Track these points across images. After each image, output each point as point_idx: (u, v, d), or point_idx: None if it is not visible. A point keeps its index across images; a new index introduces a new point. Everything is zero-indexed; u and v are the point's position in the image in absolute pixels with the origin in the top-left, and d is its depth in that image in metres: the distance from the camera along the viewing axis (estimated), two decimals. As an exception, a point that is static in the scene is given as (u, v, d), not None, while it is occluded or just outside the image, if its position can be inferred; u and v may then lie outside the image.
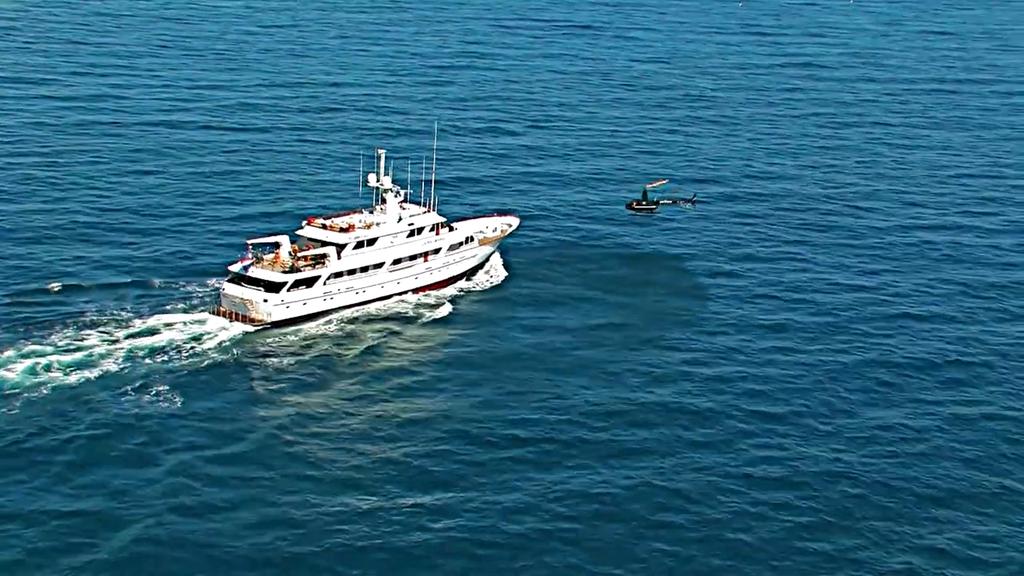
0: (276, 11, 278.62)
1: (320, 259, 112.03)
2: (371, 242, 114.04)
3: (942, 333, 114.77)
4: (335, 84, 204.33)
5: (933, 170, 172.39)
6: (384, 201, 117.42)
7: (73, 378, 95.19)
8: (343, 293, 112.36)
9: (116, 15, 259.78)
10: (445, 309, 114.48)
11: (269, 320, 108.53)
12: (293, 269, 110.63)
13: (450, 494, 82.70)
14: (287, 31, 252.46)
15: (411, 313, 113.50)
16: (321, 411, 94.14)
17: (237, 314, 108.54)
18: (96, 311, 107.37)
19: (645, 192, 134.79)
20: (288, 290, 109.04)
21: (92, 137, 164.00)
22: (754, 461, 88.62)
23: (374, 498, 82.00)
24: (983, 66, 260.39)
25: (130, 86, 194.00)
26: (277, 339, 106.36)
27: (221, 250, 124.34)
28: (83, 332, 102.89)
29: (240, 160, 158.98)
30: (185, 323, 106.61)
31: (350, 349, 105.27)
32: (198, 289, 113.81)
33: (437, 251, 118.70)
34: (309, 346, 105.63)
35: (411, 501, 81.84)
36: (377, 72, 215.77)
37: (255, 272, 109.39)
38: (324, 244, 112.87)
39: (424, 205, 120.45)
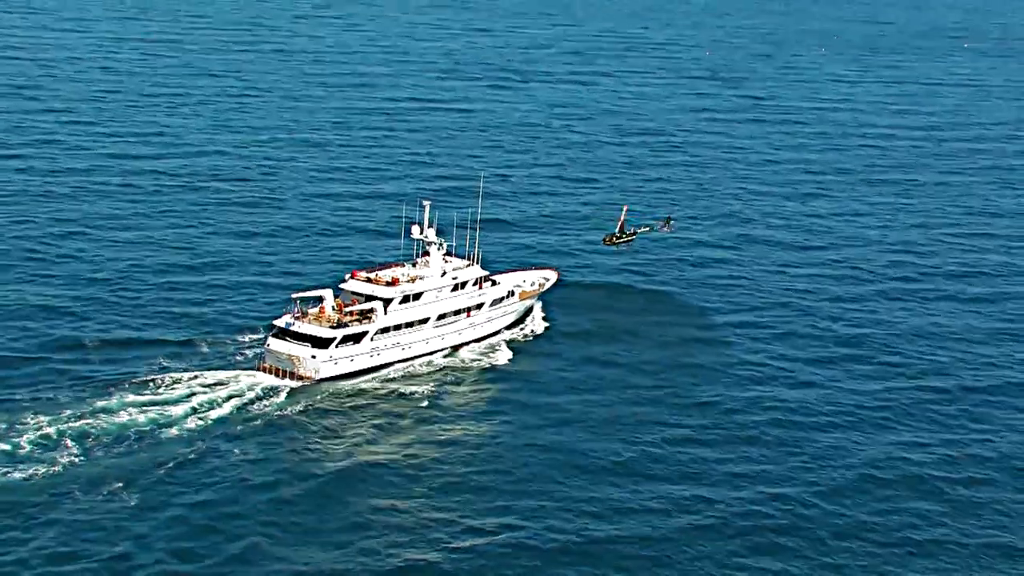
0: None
1: (367, 314, 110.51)
2: (416, 296, 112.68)
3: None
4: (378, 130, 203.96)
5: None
6: (428, 254, 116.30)
7: (119, 440, 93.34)
8: (389, 349, 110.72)
9: (166, 56, 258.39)
10: (492, 362, 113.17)
11: (316, 377, 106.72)
12: (340, 324, 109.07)
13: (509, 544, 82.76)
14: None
15: (458, 369, 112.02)
16: (378, 469, 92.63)
17: (282, 370, 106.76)
18: (136, 370, 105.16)
19: (622, 223, 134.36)
20: (336, 346, 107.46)
21: (122, 187, 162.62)
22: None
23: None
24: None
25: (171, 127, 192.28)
26: (326, 396, 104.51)
27: (255, 305, 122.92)
28: (123, 392, 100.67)
29: (275, 210, 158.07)
30: (227, 380, 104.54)
31: (402, 406, 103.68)
32: (237, 345, 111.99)
33: (480, 306, 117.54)
34: (360, 403, 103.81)
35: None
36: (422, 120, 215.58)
37: (302, 327, 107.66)
38: (369, 298, 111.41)
39: (467, 258, 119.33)
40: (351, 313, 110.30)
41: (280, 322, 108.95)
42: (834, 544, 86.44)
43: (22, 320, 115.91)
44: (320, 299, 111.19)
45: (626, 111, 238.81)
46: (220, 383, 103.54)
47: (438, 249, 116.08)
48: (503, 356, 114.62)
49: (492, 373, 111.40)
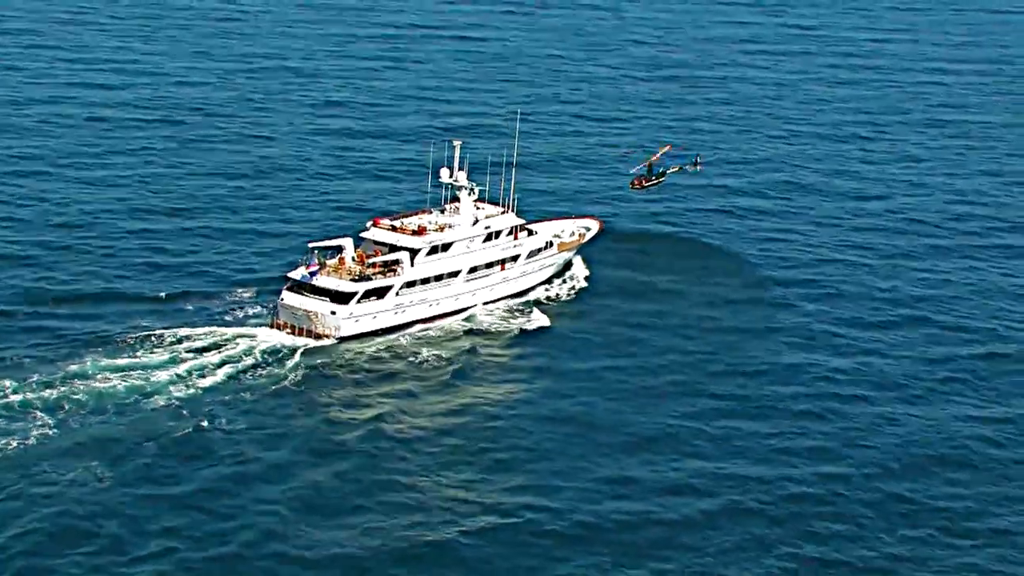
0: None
1: (391, 266, 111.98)
2: (445, 247, 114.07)
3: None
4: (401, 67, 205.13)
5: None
6: (457, 200, 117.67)
7: (97, 410, 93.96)
8: (415, 306, 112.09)
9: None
10: (525, 322, 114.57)
11: (336, 335, 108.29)
12: (363, 277, 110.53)
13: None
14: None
15: (487, 330, 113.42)
16: (395, 444, 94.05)
17: (298, 327, 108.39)
18: (141, 326, 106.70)
19: (650, 165, 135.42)
20: (358, 301, 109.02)
21: (119, 128, 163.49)
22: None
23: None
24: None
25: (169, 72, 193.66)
26: (347, 357, 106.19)
27: (268, 256, 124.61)
28: (127, 351, 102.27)
29: (290, 152, 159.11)
30: (239, 338, 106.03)
31: (425, 371, 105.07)
32: (248, 298, 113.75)
33: (515, 258, 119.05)
34: (379, 368, 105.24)
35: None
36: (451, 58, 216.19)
37: (321, 281, 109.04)
38: (393, 248, 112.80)
39: (501, 204, 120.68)
40: (374, 265, 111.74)
41: (295, 274, 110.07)
42: (893, 531, 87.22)
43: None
44: (339, 249, 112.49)
45: (654, 42, 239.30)
46: (216, 344, 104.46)
47: (469, 194, 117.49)
48: (537, 316, 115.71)
49: (524, 335, 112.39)
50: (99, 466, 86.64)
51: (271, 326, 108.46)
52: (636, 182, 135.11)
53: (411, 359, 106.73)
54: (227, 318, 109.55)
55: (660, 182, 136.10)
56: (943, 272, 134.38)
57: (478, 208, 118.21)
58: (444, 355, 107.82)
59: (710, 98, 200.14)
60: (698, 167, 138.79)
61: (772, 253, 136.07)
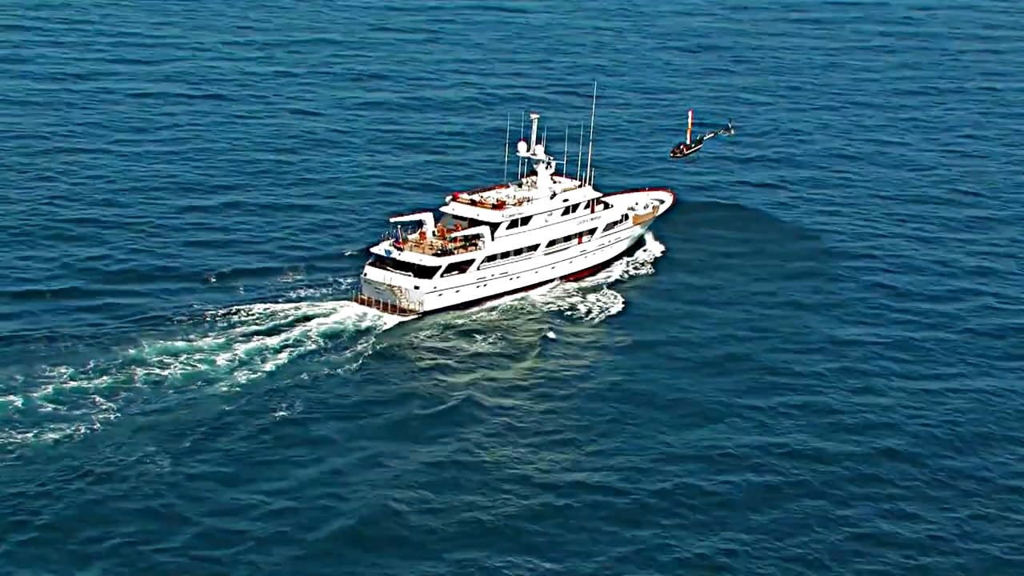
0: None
1: (473, 240, 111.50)
2: (525, 221, 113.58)
3: None
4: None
5: None
6: (535, 173, 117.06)
7: (194, 384, 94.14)
8: (496, 279, 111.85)
9: None
10: (602, 298, 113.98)
11: (421, 310, 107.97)
12: (445, 251, 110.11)
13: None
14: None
15: (564, 305, 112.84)
16: (486, 415, 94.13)
17: (381, 302, 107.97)
18: (222, 304, 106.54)
19: (690, 131, 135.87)
20: (441, 275, 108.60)
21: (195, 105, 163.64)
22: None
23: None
24: None
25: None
26: (428, 332, 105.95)
27: (343, 230, 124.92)
28: (210, 329, 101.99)
29: (367, 128, 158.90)
30: (325, 313, 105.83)
31: (505, 348, 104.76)
32: (330, 274, 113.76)
33: (592, 231, 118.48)
34: (464, 343, 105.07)
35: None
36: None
37: (404, 255, 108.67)
38: (474, 223, 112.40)
39: (578, 178, 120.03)
40: (455, 239, 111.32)
41: (378, 249, 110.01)
42: (954, 507, 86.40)
43: (27, 248, 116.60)
44: (420, 223, 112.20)
45: (697, 12, 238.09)
46: (309, 316, 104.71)
47: (546, 168, 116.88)
48: (613, 292, 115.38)
49: (598, 311, 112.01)
50: (176, 449, 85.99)
51: (354, 300, 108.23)
52: (676, 151, 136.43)
53: (490, 335, 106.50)
54: (291, 295, 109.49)
55: (698, 149, 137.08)
56: (1000, 244, 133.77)
57: (555, 182, 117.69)
58: (522, 330, 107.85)
59: (758, 67, 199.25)
60: (731, 132, 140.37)
61: (828, 227, 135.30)
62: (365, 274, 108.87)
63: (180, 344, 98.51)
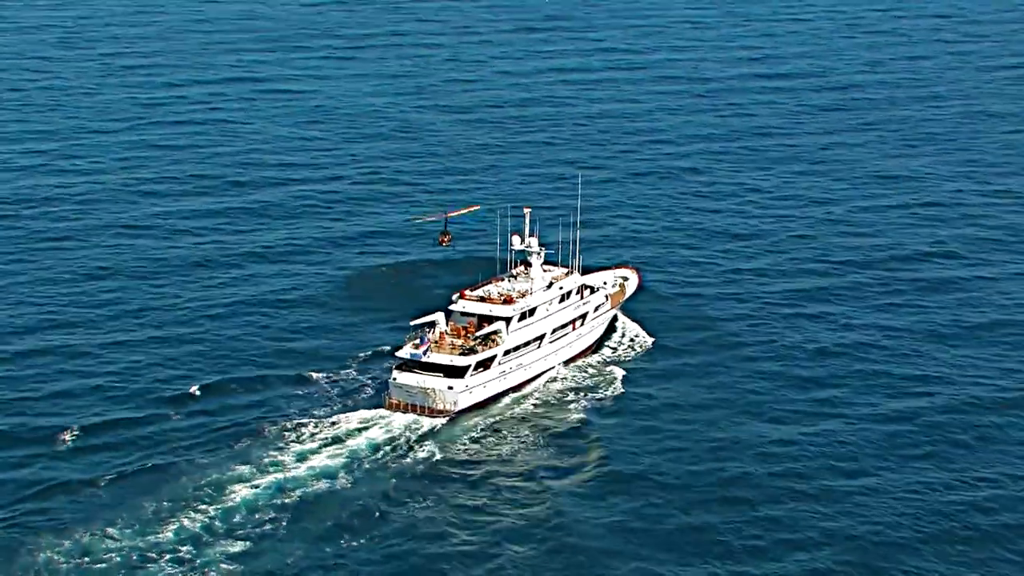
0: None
1: (490, 336, 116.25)
2: (531, 312, 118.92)
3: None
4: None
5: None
6: (528, 264, 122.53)
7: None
8: (514, 372, 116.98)
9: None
10: (609, 377, 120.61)
11: (455, 410, 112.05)
12: (470, 350, 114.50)
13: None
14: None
15: (584, 387, 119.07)
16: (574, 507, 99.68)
17: (413, 405, 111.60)
18: (258, 417, 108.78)
19: (446, 220, 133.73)
20: (471, 374, 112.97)
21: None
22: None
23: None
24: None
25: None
26: (471, 431, 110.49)
27: (346, 332, 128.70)
28: (259, 445, 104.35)
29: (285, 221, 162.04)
30: (361, 423, 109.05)
31: (550, 432, 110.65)
32: (344, 379, 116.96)
33: (584, 316, 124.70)
34: (507, 434, 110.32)
35: None
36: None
37: (434, 357, 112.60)
38: (485, 318, 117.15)
39: (564, 265, 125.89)
40: (478, 338, 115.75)
41: (404, 353, 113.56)
42: None
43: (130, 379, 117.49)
44: (433, 324, 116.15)
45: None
46: (352, 429, 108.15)
47: (537, 258, 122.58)
48: (618, 371, 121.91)
49: (607, 385, 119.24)
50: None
51: (385, 407, 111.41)
52: (442, 238, 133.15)
53: (526, 424, 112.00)
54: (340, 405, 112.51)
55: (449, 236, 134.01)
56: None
57: (545, 271, 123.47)
58: (551, 415, 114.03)
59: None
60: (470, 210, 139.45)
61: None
62: (395, 378, 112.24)
63: None
